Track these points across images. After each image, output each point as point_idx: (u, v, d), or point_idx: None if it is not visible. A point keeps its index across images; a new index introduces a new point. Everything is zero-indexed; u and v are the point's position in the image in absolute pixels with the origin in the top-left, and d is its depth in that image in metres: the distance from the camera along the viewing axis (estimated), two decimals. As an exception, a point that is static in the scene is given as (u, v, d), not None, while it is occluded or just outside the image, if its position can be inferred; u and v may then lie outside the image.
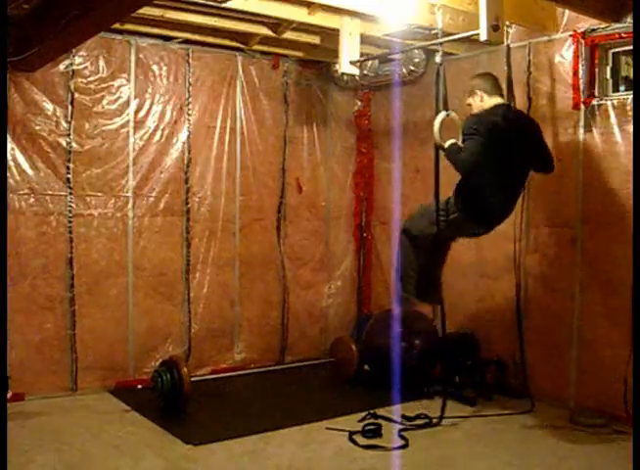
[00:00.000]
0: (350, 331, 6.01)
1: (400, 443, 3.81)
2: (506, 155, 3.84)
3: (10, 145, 4.44)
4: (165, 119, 5.07)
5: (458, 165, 3.83)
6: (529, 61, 4.63)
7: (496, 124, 3.84)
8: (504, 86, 4.22)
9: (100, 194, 4.81)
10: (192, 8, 4.32)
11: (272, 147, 5.62)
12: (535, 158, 4.07)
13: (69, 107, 4.66)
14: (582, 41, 4.32)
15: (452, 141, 3.90)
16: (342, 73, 4.82)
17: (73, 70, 4.66)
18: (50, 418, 4.21)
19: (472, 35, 3.90)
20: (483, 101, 3.98)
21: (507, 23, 4.04)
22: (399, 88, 5.64)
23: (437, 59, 4.11)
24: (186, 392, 4.29)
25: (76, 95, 4.68)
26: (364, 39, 4.77)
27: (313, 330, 5.90)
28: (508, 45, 4.24)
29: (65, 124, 4.65)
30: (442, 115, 3.94)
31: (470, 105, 4.05)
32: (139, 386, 4.68)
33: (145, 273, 5.02)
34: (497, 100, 3.99)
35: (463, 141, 3.84)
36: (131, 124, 4.92)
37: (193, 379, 4.47)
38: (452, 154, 3.86)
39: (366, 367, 5.12)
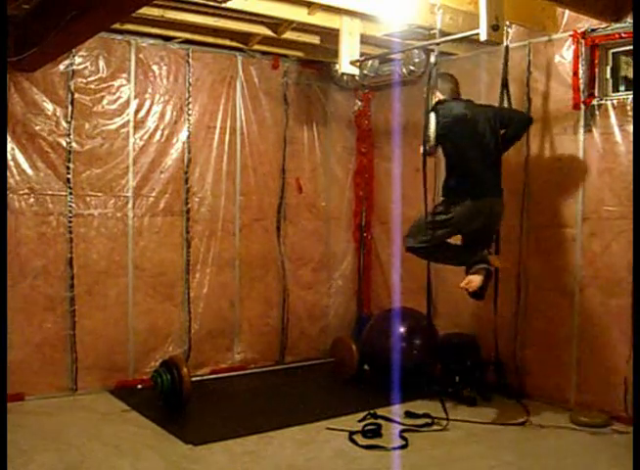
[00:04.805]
0: (350, 331, 6.01)
1: (400, 443, 3.81)
2: (477, 137, 4.12)
3: (10, 145, 4.45)
4: (165, 119, 5.07)
5: (445, 118, 4.10)
6: (529, 61, 4.63)
7: (453, 108, 4.17)
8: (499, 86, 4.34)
9: (100, 194, 4.81)
10: (192, 8, 4.32)
11: (272, 147, 5.62)
12: (504, 127, 4.24)
13: (69, 107, 4.66)
14: (582, 41, 4.32)
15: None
16: (343, 73, 4.83)
17: (73, 70, 4.66)
18: (50, 418, 4.21)
19: (472, 35, 3.91)
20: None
21: (507, 22, 4.04)
22: (399, 88, 5.64)
23: (432, 59, 4.16)
24: (186, 392, 4.29)
25: (76, 95, 4.68)
26: (364, 39, 4.77)
27: (313, 330, 5.90)
28: (507, 45, 4.24)
29: (65, 124, 4.65)
30: (434, 115, 4.04)
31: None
32: (139, 386, 4.68)
33: (145, 273, 5.02)
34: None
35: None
36: (131, 124, 4.92)
37: (193, 379, 4.47)
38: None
39: (366, 367, 5.12)
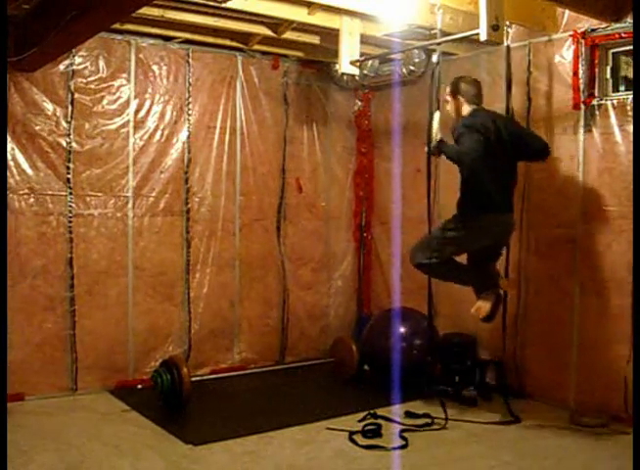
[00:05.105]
0: (350, 331, 6.01)
1: (400, 443, 3.81)
2: (497, 152, 3.97)
3: (10, 145, 4.45)
4: (165, 119, 5.07)
5: (462, 156, 3.90)
6: (529, 61, 4.62)
7: (484, 125, 3.95)
8: (503, 87, 4.32)
9: (100, 194, 4.81)
10: (192, 8, 4.31)
11: (272, 147, 5.62)
12: (523, 148, 4.16)
13: (69, 107, 4.66)
14: (582, 41, 4.32)
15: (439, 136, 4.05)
16: (343, 73, 4.83)
17: (73, 70, 4.66)
18: (50, 418, 4.21)
19: (472, 35, 3.91)
20: (462, 107, 4.11)
21: (507, 22, 4.04)
22: (399, 88, 5.64)
23: (434, 59, 4.16)
24: (186, 392, 4.29)
25: (76, 95, 4.68)
26: (364, 39, 4.77)
27: (313, 330, 5.90)
28: (508, 45, 4.23)
29: (65, 124, 4.65)
30: (439, 114, 4.01)
31: (446, 102, 4.17)
32: (139, 386, 4.68)
33: (145, 273, 5.02)
34: (473, 107, 4.10)
35: (456, 140, 3.95)
36: (131, 124, 4.92)
37: (193, 379, 4.48)
38: (451, 147, 3.96)
39: (366, 367, 5.12)
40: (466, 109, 4.11)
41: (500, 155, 4.01)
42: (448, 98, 4.16)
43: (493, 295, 4.19)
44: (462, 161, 3.93)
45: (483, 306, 4.18)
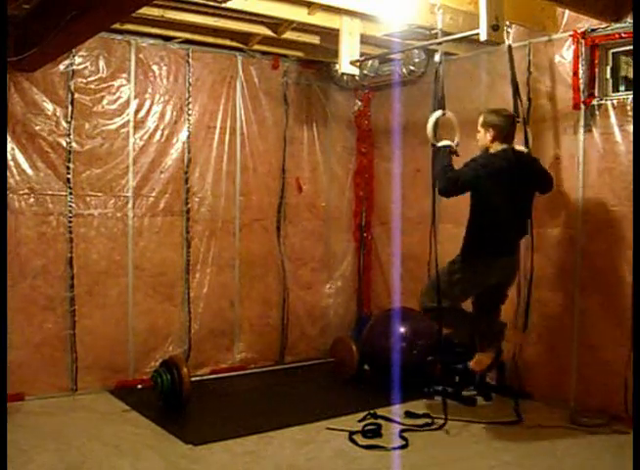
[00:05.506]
0: (350, 331, 6.01)
1: (400, 443, 3.81)
2: (512, 193, 3.90)
3: (10, 145, 4.44)
4: (165, 119, 5.07)
5: (441, 176, 3.86)
6: (529, 61, 4.62)
7: (503, 168, 3.87)
8: (503, 86, 4.28)
9: (100, 194, 4.81)
10: (192, 8, 4.31)
11: (272, 147, 5.62)
12: (537, 186, 4.16)
13: (69, 107, 4.66)
14: (582, 41, 4.32)
15: (446, 142, 3.98)
16: (343, 73, 4.83)
17: (73, 70, 4.66)
18: (50, 418, 4.21)
19: (472, 35, 3.90)
20: (492, 144, 3.98)
21: (507, 23, 4.02)
22: (399, 88, 5.64)
23: (437, 58, 4.14)
24: (186, 392, 4.29)
25: (76, 95, 4.68)
26: (364, 39, 4.77)
27: (313, 330, 5.90)
28: (510, 45, 4.18)
29: (65, 124, 4.65)
30: (438, 113, 3.99)
31: (479, 132, 4.04)
32: (139, 386, 4.68)
33: (145, 273, 5.02)
34: (503, 146, 3.97)
35: (464, 164, 3.90)
36: (131, 124, 4.92)
37: (193, 379, 4.48)
38: (440, 159, 3.91)
39: (366, 367, 5.12)
40: (495, 146, 3.96)
41: (515, 201, 3.93)
42: (481, 130, 4.01)
43: (495, 349, 4.20)
44: (436, 179, 3.88)
45: (484, 361, 4.20)
